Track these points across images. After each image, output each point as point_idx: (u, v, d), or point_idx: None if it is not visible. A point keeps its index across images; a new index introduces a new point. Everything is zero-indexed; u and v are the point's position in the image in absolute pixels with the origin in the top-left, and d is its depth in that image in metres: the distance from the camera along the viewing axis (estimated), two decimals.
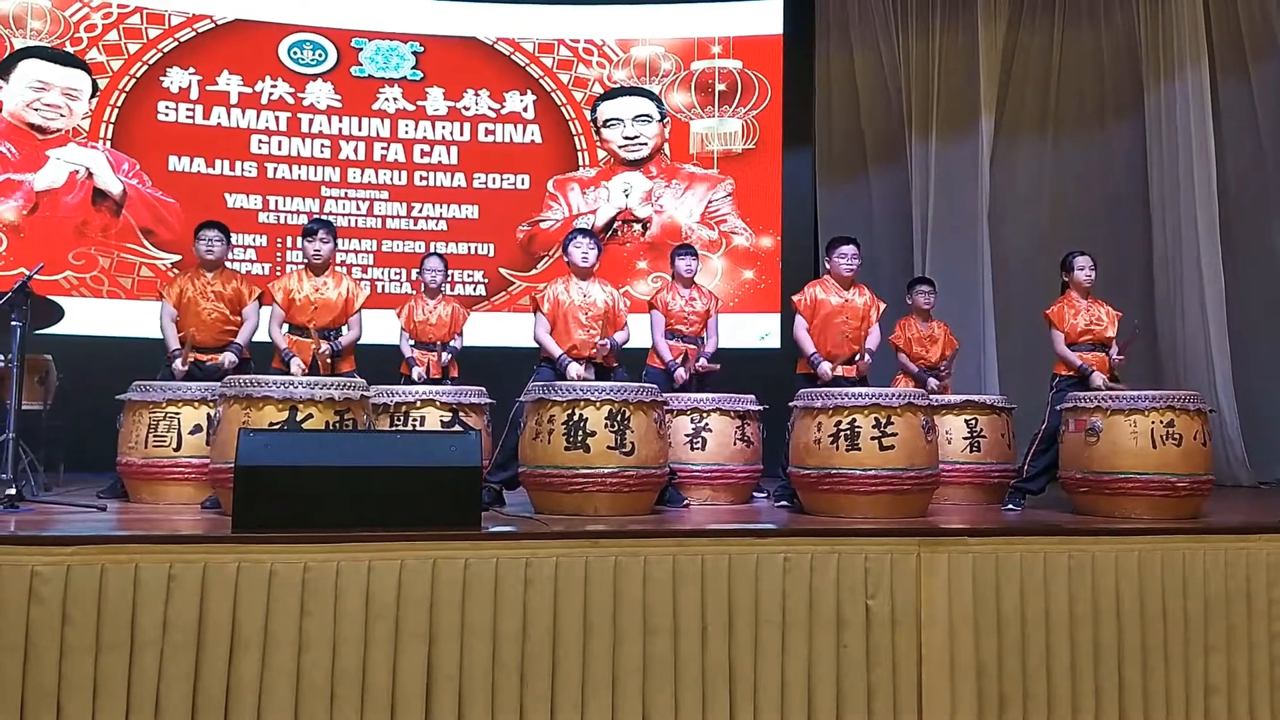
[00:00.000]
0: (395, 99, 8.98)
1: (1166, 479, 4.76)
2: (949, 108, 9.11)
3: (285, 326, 5.74)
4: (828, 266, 5.96)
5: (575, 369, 5.38)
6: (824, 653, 3.75)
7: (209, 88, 8.65)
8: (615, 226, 9.11)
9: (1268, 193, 8.40)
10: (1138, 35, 8.83)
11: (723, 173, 9.15)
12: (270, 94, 8.76)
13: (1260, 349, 8.36)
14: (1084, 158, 9.12)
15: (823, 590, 3.80)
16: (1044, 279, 7.32)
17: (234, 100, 8.68)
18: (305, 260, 5.83)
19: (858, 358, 5.66)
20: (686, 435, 5.67)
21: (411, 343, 6.37)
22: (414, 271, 8.50)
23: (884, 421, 4.71)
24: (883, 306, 5.95)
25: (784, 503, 5.46)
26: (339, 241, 6.35)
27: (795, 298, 5.93)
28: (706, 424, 5.71)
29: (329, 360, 5.63)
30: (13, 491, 4.60)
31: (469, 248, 8.94)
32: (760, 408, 5.92)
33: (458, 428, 5.58)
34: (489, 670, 3.53)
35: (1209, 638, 4.02)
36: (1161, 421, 4.83)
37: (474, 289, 8.88)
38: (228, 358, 5.75)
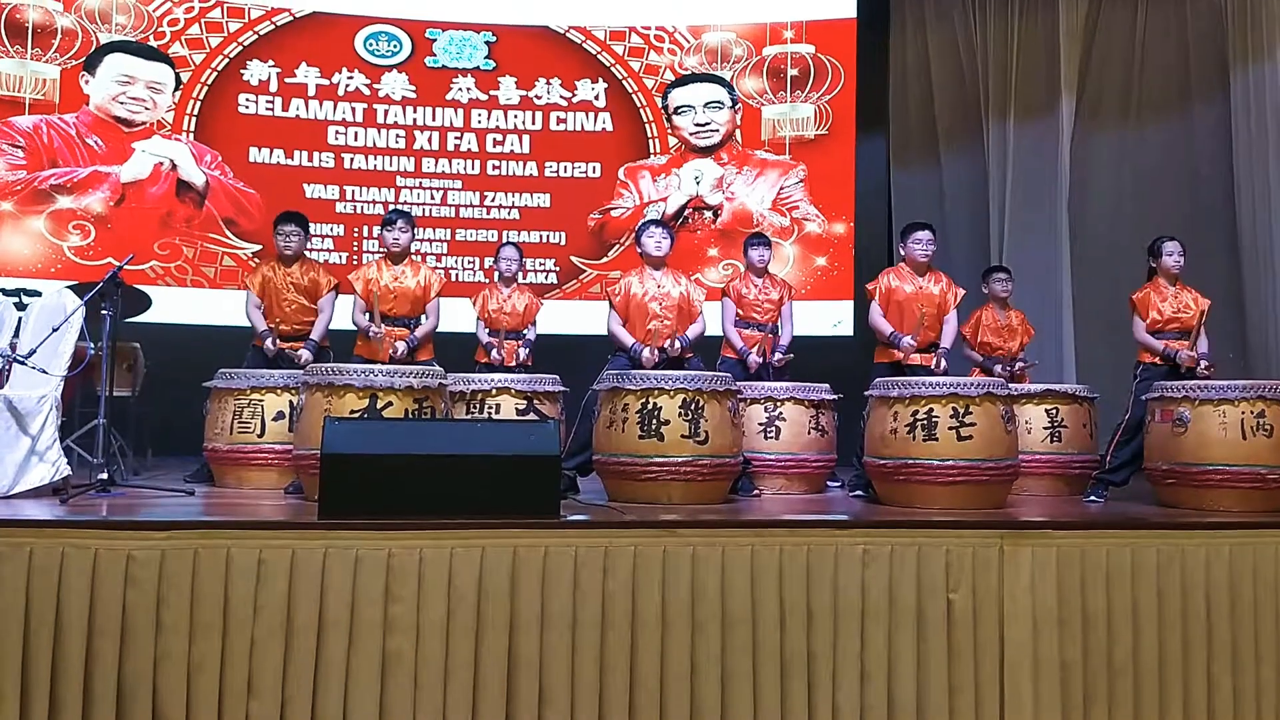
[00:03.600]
0: (468, 89, 9.04)
1: (1256, 471, 4.66)
2: (1027, 90, 8.90)
3: (366, 315, 5.83)
4: (903, 253, 5.91)
5: (649, 354, 5.40)
6: (904, 646, 3.71)
7: (288, 80, 8.79)
8: (686, 214, 9.08)
9: None
10: (1224, 16, 8.54)
11: (795, 159, 9.07)
12: (347, 85, 8.88)
13: None
14: (1167, 141, 8.83)
15: (903, 583, 3.76)
16: (1125, 265, 7.15)
17: (312, 92, 8.81)
18: (384, 250, 5.92)
19: (934, 364, 5.58)
20: (760, 424, 5.66)
21: (488, 331, 6.42)
22: (487, 260, 8.58)
23: (962, 411, 4.66)
24: (961, 293, 5.87)
25: (859, 493, 5.42)
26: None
27: (870, 285, 5.87)
28: (780, 413, 5.69)
29: (405, 355, 5.71)
30: (105, 476, 4.75)
31: (541, 236, 8.99)
32: (835, 397, 5.88)
33: (533, 416, 5.63)
34: (569, 657, 3.56)
35: None
36: (1252, 412, 4.72)
37: (545, 277, 8.93)
38: (304, 355, 5.82)
